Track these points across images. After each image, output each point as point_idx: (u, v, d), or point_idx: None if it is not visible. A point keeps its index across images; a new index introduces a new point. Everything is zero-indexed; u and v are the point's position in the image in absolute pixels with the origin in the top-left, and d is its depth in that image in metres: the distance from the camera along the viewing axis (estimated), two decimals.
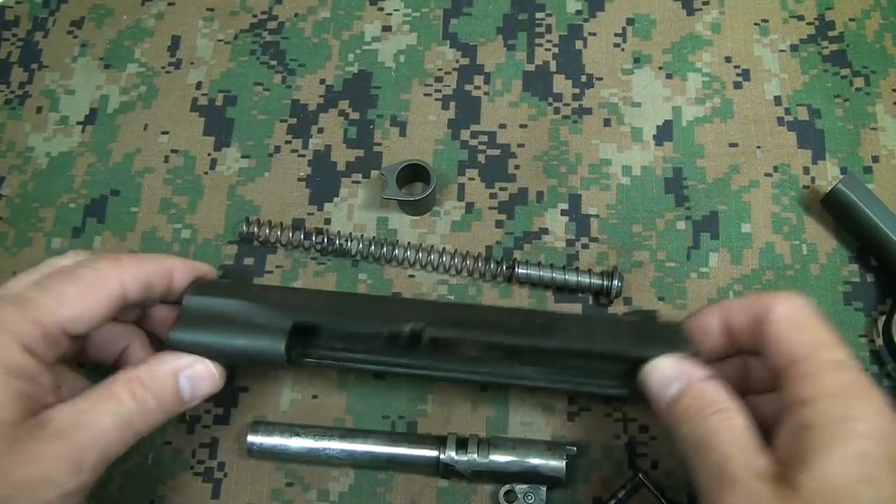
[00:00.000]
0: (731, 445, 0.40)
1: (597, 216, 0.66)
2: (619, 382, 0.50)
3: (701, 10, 0.73)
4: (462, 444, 0.56)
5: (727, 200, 0.66)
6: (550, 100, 0.70)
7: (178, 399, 0.47)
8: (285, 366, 0.50)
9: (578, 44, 0.72)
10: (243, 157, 0.70)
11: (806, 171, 0.66)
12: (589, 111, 0.69)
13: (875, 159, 0.66)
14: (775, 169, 0.67)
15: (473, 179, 0.68)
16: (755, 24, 0.72)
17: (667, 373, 0.46)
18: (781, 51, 0.71)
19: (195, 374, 0.48)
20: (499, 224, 0.66)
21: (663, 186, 0.66)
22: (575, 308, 0.63)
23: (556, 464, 0.55)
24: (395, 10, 0.75)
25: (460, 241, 0.66)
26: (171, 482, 0.59)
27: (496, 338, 0.51)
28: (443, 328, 0.50)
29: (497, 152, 0.69)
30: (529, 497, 0.55)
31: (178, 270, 0.52)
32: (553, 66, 0.71)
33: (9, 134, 0.72)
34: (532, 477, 0.55)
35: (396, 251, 0.64)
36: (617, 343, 0.49)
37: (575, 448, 0.56)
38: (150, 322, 0.56)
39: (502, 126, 0.69)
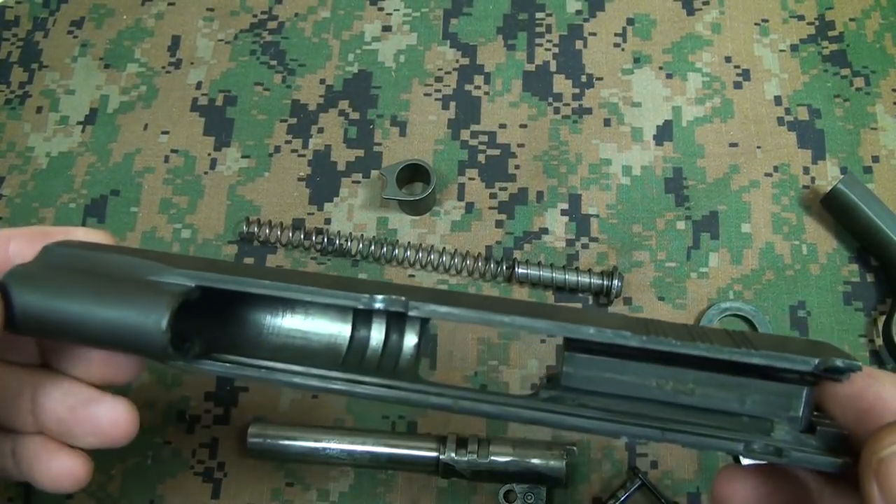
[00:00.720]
0: None
1: (597, 216, 0.66)
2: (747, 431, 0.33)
3: (701, 10, 0.73)
4: (462, 444, 0.56)
5: (727, 200, 0.66)
6: (550, 100, 0.70)
7: None
8: (171, 356, 0.33)
9: (578, 44, 0.72)
10: (243, 157, 0.70)
11: (806, 171, 0.66)
12: (589, 111, 0.69)
13: (875, 159, 0.66)
14: (775, 169, 0.66)
15: (473, 179, 0.68)
16: (755, 24, 0.72)
17: None
18: (781, 51, 0.70)
19: None
20: (499, 224, 0.66)
21: (663, 186, 0.66)
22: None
23: (556, 464, 0.55)
24: (395, 10, 0.75)
25: (460, 241, 0.66)
26: (171, 482, 0.59)
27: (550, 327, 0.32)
28: (441, 303, 0.33)
29: (497, 152, 0.69)
30: (529, 497, 0.55)
31: (18, 240, 0.37)
32: (553, 66, 0.71)
33: (9, 134, 0.72)
34: (532, 477, 0.55)
35: (396, 251, 0.64)
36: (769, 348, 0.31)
37: (575, 448, 0.56)
38: None
39: (502, 126, 0.69)
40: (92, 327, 0.33)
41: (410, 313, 0.33)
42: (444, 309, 0.33)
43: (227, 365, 0.35)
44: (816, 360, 0.31)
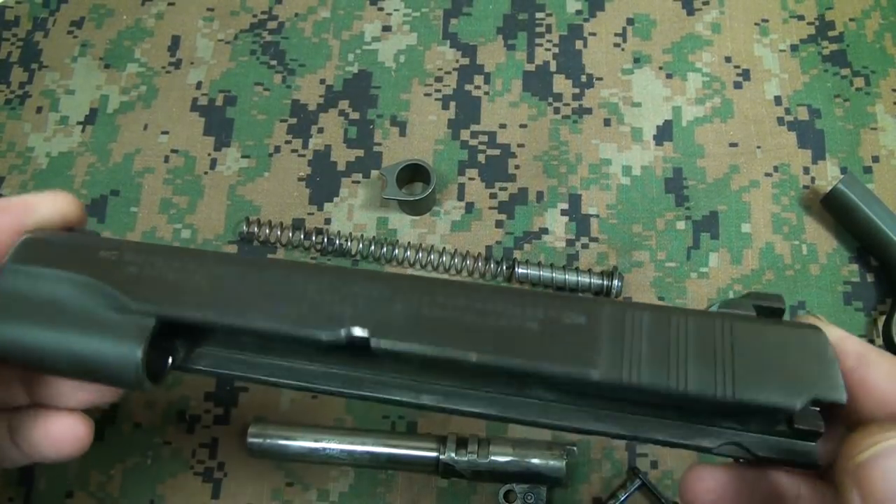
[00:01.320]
0: None
1: (597, 216, 0.66)
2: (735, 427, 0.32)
3: (701, 10, 0.73)
4: (462, 444, 0.56)
5: (727, 200, 0.66)
6: (550, 100, 0.70)
7: None
8: (147, 386, 0.34)
9: (578, 44, 0.72)
10: (243, 157, 0.70)
11: (806, 171, 0.66)
12: (589, 111, 0.69)
13: (875, 159, 0.66)
14: (775, 169, 0.67)
15: (473, 179, 0.68)
16: (755, 23, 0.72)
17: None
18: (781, 51, 0.71)
19: None
20: (499, 224, 0.66)
21: (663, 186, 0.66)
22: None
23: (556, 464, 0.55)
24: (395, 9, 0.75)
25: (460, 241, 0.66)
26: (171, 482, 0.59)
27: (510, 362, 0.32)
28: (405, 336, 0.33)
29: (497, 152, 0.69)
30: (529, 497, 0.55)
31: None
32: (553, 66, 0.71)
33: (9, 134, 0.72)
34: (532, 477, 0.55)
35: (396, 251, 0.64)
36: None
37: (575, 448, 0.56)
38: None
39: (502, 126, 0.69)
40: (61, 367, 0.34)
41: (373, 346, 0.33)
42: (404, 345, 0.32)
43: (202, 368, 0.36)
44: (799, 404, 0.29)
